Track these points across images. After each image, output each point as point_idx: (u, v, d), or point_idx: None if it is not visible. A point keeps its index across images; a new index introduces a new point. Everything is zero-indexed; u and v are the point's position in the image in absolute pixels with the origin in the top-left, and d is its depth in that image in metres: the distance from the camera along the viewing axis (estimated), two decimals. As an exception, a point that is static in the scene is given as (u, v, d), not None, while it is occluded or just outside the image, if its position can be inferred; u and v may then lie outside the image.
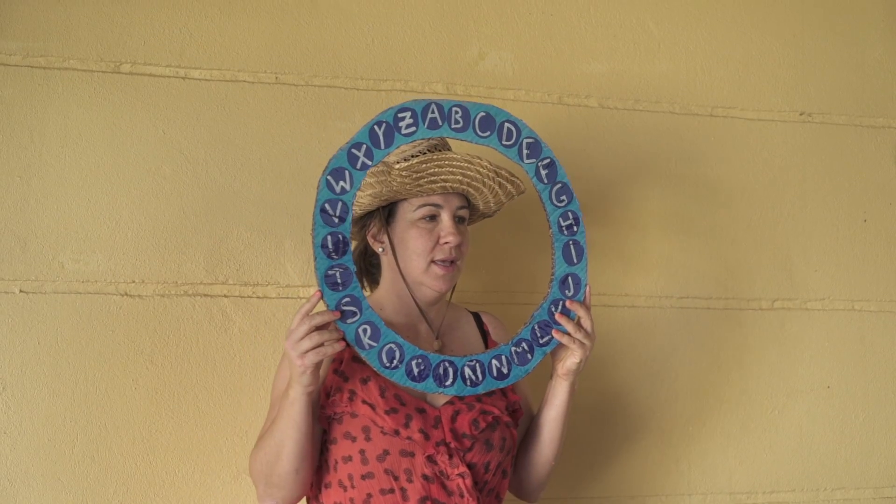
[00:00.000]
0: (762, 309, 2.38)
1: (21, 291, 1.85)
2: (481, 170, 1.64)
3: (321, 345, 1.45)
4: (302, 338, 1.44)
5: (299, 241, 2.03)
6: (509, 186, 1.72)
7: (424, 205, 1.64)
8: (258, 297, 2.00)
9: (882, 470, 2.42)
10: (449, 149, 1.70)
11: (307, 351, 1.43)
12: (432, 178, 1.63)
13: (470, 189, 1.67)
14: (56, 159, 1.96)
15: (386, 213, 1.69)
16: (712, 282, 2.37)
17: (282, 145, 2.05)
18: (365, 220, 1.75)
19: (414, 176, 1.61)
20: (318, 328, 1.45)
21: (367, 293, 1.71)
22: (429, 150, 1.67)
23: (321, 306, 1.56)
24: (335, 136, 2.01)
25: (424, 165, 1.61)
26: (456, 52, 2.19)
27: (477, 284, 2.16)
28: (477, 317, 1.87)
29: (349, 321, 1.52)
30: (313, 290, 1.59)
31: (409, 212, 1.65)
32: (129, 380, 1.91)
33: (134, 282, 1.93)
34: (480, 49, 2.20)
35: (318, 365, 1.48)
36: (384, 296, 1.70)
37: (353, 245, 1.67)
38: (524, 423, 1.82)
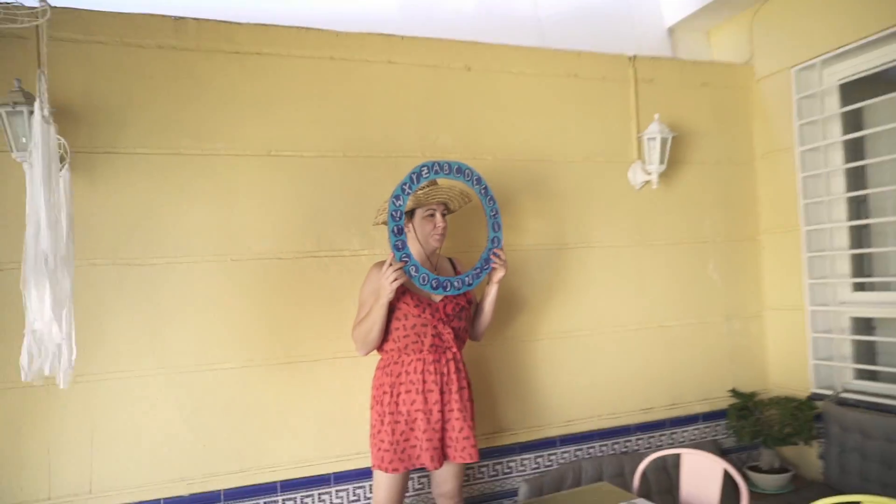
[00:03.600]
0: (575, 248, 2.89)
1: (232, 260, 2.28)
2: (451, 192, 2.08)
3: (398, 276, 1.89)
4: (390, 274, 1.88)
5: (359, 229, 2.46)
6: (465, 198, 2.15)
7: (428, 209, 2.05)
8: (341, 256, 2.45)
9: (630, 315, 2.95)
10: (437, 184, 2.08)
11: (393, 280, 1.88)
12: (431, 197, 2.04)
13: (448, 201, 2.10)
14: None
15: (410, 214, 2.04)
16: (552, 237, 2.85)
17: (348, 185, 2.46)
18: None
19: (424, 198, 2.02)
20: (396, 270, 1.89)
21: None
22: (429, 185, 2.05)
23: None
24: (371, 179, 2.47)
25: (427, 190, 2.04)
26: (425, 137, 2.60)
27: (453, 244, 2.53)
28: (450, 260, 2.26)
29: (408, 265, 1.94)
30: (388, 254, 2.00)
31: (421, 213, 2.06)
32: (283, 299, 2.34)
33: (283, 252, 2.36)
34: (437, 134, 2.63)
35: (398, 286, 1.89)
36: (413, 253, 2.00)
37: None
38: (474, 307, 2.24)
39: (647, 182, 3.01)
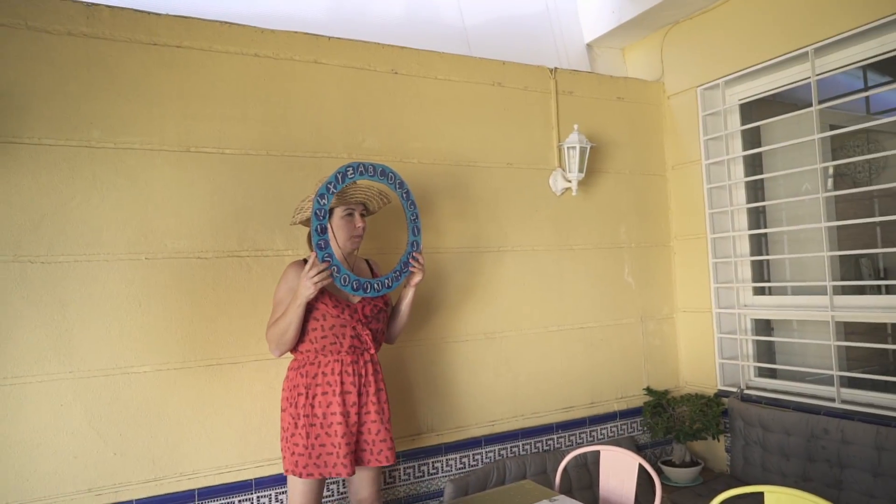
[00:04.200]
0: (494, 251, 2.88)
1: (146, 259, 2.19)
2: (373, 192, 2.07)
3: (323, 277, 1.85)
4: (314, 275, 1.84)
5: (281, 228, 2.40)
6: (385, 199, 2.14)
7: (346, 208, 2.03)
8: (264, 256, 2.39)
9: (546, 317, 2.98)
10: (356, 184, 2.02)
11: (317, 281, 1.84)
12: (350, 196, 2.02)
13: (368, 201, 2.09)
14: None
15: (329, 214, 1.99)
16: (471, 240, 2.85)
17: (270, 183, 2.40)
18: None
19: (342, 196, 1.99)
20: (321, 271, 1.85)
21: None
22: (349, 184, 1.99)
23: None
24: (294, 178, 2.42)
25: (349, 191, 2.00)
26: (351, 138, 2.58)
27: (373, 245, 2.53)
28: (367, 261, 2.24)
29: (330, 265, 1.91)
30: (309, 253, 1.96)
31: (340, 213, 2.02)
32: (201, 300, 2.27)
33: (203, 251, 2.29)
34: (363, 136, 2.61)
35: (321, 287, 1.84)
36: (333, 253, 1.93)
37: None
38: (390, 309, 2.22)
39: (567, 189, 3.06)
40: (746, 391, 3.05)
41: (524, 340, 2.94)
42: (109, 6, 2.19)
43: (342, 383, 1.95)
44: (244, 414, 2.32)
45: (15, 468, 2.02)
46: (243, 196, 2.37)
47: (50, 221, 2.09)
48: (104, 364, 2.13)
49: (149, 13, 2.24)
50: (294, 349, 2.04)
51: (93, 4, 2.17)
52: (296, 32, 2.49)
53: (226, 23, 2.37)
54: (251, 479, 2.31)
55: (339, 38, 2.56)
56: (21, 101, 2.05)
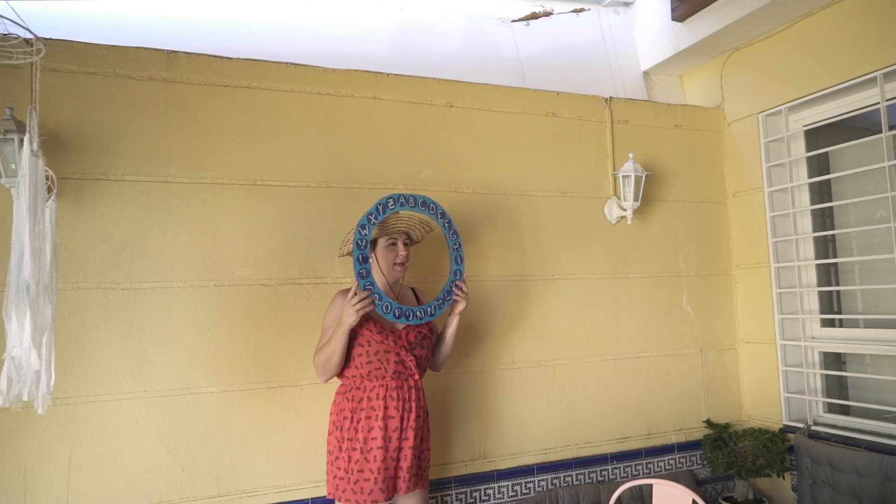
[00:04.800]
0: (546, 279, 2.85)
1: (215, 286, 2.25)
2: (415, 221, 2.06)
3: (364, 305, 1.86)
4: (356, 303, 1.84)
5: (341, 259, 2.41)
6: (427, 228, 2.12)
7: (390, 238, 2.03)
8: (324, 283, 2.42)
9: (602, 346, 2.91)
10: (398, 214, 2.03)
11: (359, 308, 1.84)
12: (392, 227, 2.02)
13: (410, 230, 2.07)
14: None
15: (373, 244, 2.00)
16: (516, 267, 2.79)
17: (329, 214, 2.43)
18: None
19: (384, 226, 2.00)
20: (362, 298, 1.86)
21: None
22: (391, 215, 2.01)
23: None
24: (352, 209, 2.43)
25: (389, 220, 2.01)
26: (407, 170, 2.59)
27: (417, 274, 2.52)
28: (413, 289, 2.22)
29: (371, 293, 1.91)
30: (353, 282, 1.95)
31: (383, 242, 2.03)
32: (264, 326, 2.31)
33: (266, 279, 2.33)
34: (419, 168, 2.61)
35: (363, 314, 1.85)
36: (377, 282, 1.95)
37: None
38: (435, 336, 2.19)
39: (623, 217, 3.00)
40: (814, 427, 2.88)
41: (578, 369, 2.88)
42: (187, 52, 2.31)
43: (386, 408, 1.93)
44: (302, 435, 2.34)
45: (94, 481, 2.10)
46: (305, 226, 2.41)
47: (130, 251, 2.19)
48: (175, 384, 2.19)
49: (221, 57, 2.34)
50: (341, 374, 2.04)
51: (172, 52, 2.30)
52: (356, 70, 2.53)
53: (291, 64, 2.44)
54: (308, 499, 2.33)
55: (397, 75, 2.59)
56: (108, 142, 2.18)
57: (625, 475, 2.90)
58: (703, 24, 3.03)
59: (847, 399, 2.94)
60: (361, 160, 2.51)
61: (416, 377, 2.00)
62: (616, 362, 2.97)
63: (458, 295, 2.10)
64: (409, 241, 2.13)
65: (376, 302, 1.91)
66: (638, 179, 2.90)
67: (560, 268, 2.89)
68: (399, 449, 1.94)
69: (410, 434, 1.95)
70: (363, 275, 1.89)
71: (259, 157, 2.36)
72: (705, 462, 3.06)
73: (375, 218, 1.95)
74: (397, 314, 1.96)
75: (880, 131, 2.59)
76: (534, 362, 2.81)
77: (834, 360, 3.03)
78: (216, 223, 2.29)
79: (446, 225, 2.12)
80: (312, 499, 2.33)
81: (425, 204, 2.07)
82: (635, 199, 2.90)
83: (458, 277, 2.12)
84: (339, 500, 1.94)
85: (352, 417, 1.95)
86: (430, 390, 2.41)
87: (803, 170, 3.08)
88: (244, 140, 2.34)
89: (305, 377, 2.36)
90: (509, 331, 2.75)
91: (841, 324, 2.97)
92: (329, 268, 2.44)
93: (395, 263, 2.04)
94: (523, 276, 2.80)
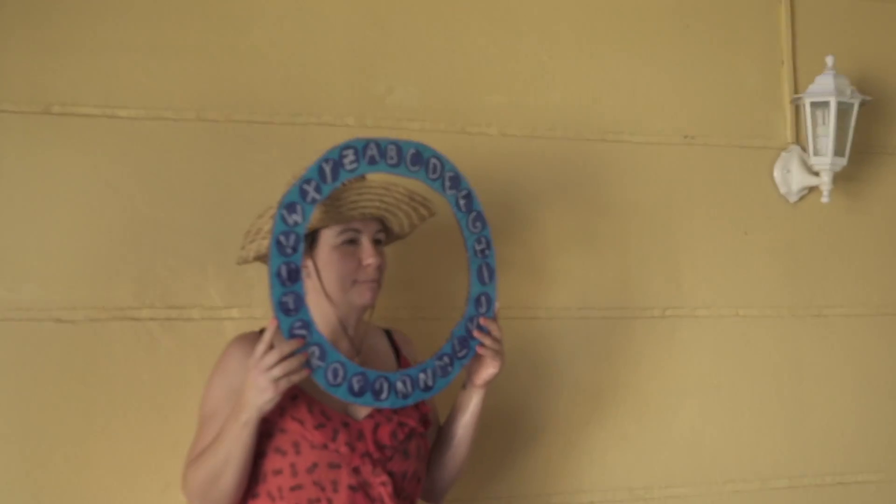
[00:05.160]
0: (654, 317, 2.61)
1: None
2: (397, 195, 1.88)
3: (290, 370, 1.65)
4: (272, 366, 1.63)
5: (221, 266, 2.20)
6: (422, 209, 1.97)
7: (346, 230, 1.86)
8: (183, 320, 2.17)
9: (768, 463, 2.68)
10: (366, 181, 1.90)
11: (278, 377, 1.63)
12: (352, 206, 1.84)
13: (387, 214, 1.90)
14: None
15: (309, 239, 1.84)
16: (608, 293, 2.58)
17: (203, 177, 2.23)
18: None
19: (336, 204, 1.82)
20: (284, 359, 1.66)
21: None
22: (353, 183, 1.87)
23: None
24: (253, 168, 2.25)
25: (345, 194, 1.83)
26: (365, 88, 2.39)
27: (399, 301, 2.34)
28: (388, 333, 2.10)
29: (307, 345, 1.75)
30: (268, 320, 1.72)
31: (331, 237, 1.86)
32: (61, 401, 2.08)
33: (65, 308, 2.09)
34: (388, 84, 2.41)
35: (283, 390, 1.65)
36: (316, 317, 1.81)
37: None
38: (433, 431, 2.04)
39: (813, 189, 2.72)
40: None
41: None
42: None
43: None
44: None
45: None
46: (148, 202, 2.19)
47: None
48: None
49: None
50: None
51: None
52: None
53: None
54: None
55: None
56: None
57: None
58: None
59: None
60: (273, 69, 2.35)
61: None
62: (801, 493, 2.68)
63: (484, 347, 1.92)
64: (385, 236, 1.98)
65: (314, 363, 1.73)
66: (845, 110, 2.63)
67: (681, 294, 2.66)
68: None
69: None
70: (288, 306, 1.73)
71: (59, 57, 2.18)
72: None
73: (317, 189, 1.77)
74: (358, 388, 1.80)
75: None
76: (623, 490, 2.55)
77: None
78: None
79: (461, 202, 1.98)
80: None
81: (420, 159, 1.91)
82: (838, 153, 2.63)
83: (482, 311, 1.95)
84: None
85: None
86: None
87: None
88: (24, 24, 2.16)
89: None
90: (580, 425, 2.55)
91: None
92: (196, 287, 2.23)
93: (354, 280, 1.85)
94: (609, 309, 2.60)
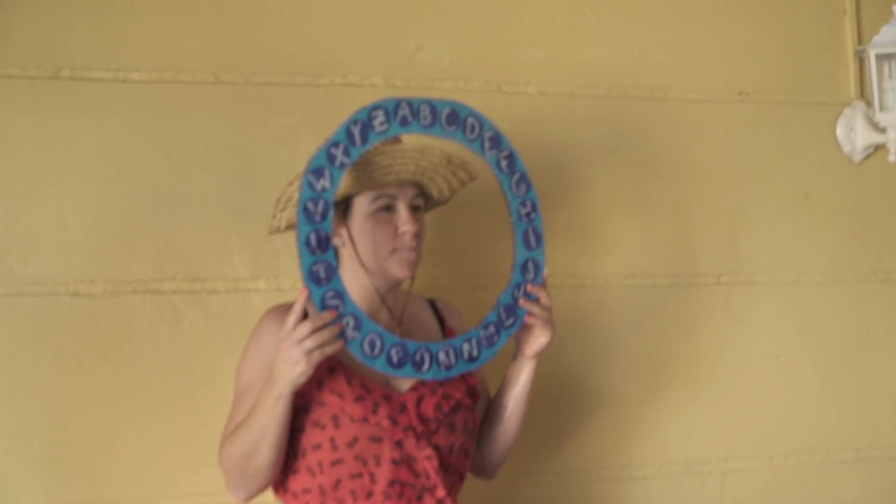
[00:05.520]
0: (709, 284, 2.54)
1: None
2: (433, 158, 1.82)
3: (324, 342, 1.64)
4: (304, 338, 1.62)
5: (245, 235, 2.17)
6: (461, 173, 1.91)
7: (380, 196, 1.81)
8: (207, 292, 2.15)
9: (833, 435, 2.63)
10: (399, 141, 1.86)
11: (311, 348, 1.62)
12: (386, 171, 1.79)
13: (423, 179, 1.86)
14: (0, 165, 2.09)
15: (342, 207, 1.83)
16: (660, 259, 2.52)
17: (224, 143, 2.19)
18: None
19: (368, 169, 1.77)
20: (317, 332, 1.64)
21: None
22: (386, 146, 1.82)
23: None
24: (276, 132, 2.22)
25: (378, 158, 1.77)
26: (393, 46, 2.34)
27: (442, 271, 2.30)
28: (432, 303, 2.05)
29: (341, 316, 1.72)
30: (299, 290, 1.73)
31: (365, 204, 1.82)
32: (83, 378, 2.06)
33: (83, 282, 2.07)
34: (417, 41, 2.36)
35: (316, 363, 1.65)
36: (351, 288, 1.80)
37: None
38: (482, 405, 1.99)
39: (879, 147, 2.66)
40: None
41: (778, 480, 2.59)
42: None
43: None
44: None
45: None
46: (166, 169, 2.16)
47: None
48: None
49: None
50: (280, 486, 1.83)
51: None
52: None
53: None
54: None
55: None
56: None
57: None
58: None
59: None
60: (298, 25, 2.32)
61: (441, 494, 1.79)
62: (865, 467, 2.66)
63: (532, 315, 1.90)
64: (423, 203, 1.94)
65: (349, 334, 1.71)
66: (917, 63, 2.54)
67: (738, 260, 2.61)
68: None
69: None
70: (320, 276, 1.70)
71: (68, 19, 2.14)
72: None
73: (346, 153, 1.73)
74: (397, 359, 1.78)
75: None
76: (679, 464, 2.52)
77: None
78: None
79: (503, 163, 1.93)
80: None
81: (455, 118, 1.86)
82: (909, 109, 2.55)
83: (529, 278, 1.93)
84: None
85: None
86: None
87: None
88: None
89: (173, 495, 2.15)
90: (634, 398, 2.53)
91: None
92: (221, 257, 2.20)
93: (391, 249, 1.82)
94: (662, 276, 2.57)
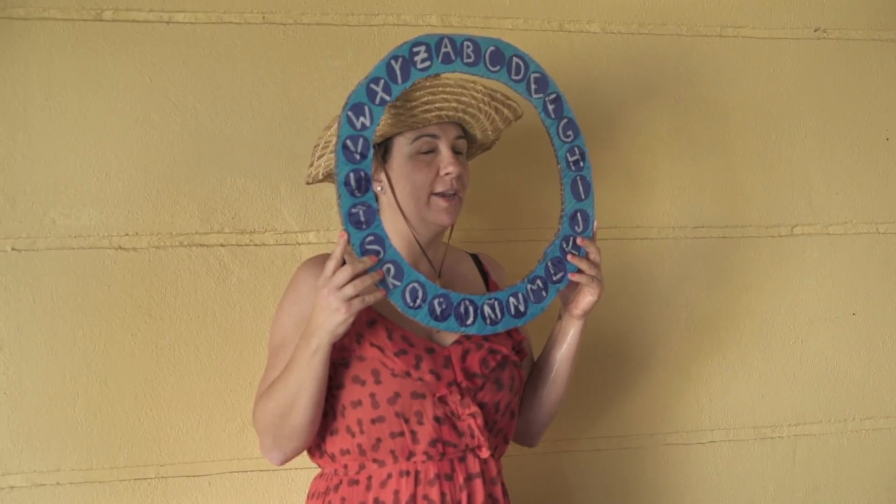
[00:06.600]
0: (781, 236, 2.46)
1: (13, 249, 1.97)
2: (476, 94, 1.75)
3: (363, 290, 1.58)
4: (343, 285, 1.56)
5: (295, 185, 2.12)
6: (506, 111, 1.84)
7: (420, 136, 1.75)
8: (255, 245, 2.11)
9: None
10: (441, 80, 1.79)
11: (350, 296, 1.57)
12: (426, 108, 1.73)
13: (466, 116, 1.78)
14: (41, 112, 2.06)
15: (381, 150, 1.78)
16: (728, 209, 2.45)
17: (272, 87, 2.14)
18: None
19: (408, 106, 1.71)
20: (356, 278, 1.58)
21: None
22: (428, 82, 1.77)
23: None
24: (327, 76, 2.16)
25: (417, 94, 1.70)
26: None
27: (485, 222, 2.25)
28: (475, 258, 2.00)
29: (381, 262, 1.68)
30: (337, 235, 1.70)
31: (405, 145, 1.75)
32: (127, 334, 2.03)
33: (127, 234, 2.04)
34: None
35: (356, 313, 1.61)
36: (392, 234, 1.77)
37: None
38: (527, 364, 1.95)
39: None
40: None
41: (853, 447, 2.51)
42: None
43: None
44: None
45: None
46: (212, 115, 2.13)
47: None
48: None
49: None
50: (315, 449, 1.80)
51: None
52: None
53: None
54: None
55: None
56: None
57: None
58: None
59: None
60: None
61: (486, 454, 1.77)
62: None
63: (580, 272, 1.86)
64: (467, 144, 1.89)
65: (390, 283, 1.69)
66: None
67: (812, 209, 2.53)
68: None
69: None
70: (360, 219, 1.69)
71: None
72: None
73: (385, 88, 1.72)
74: (439, 311, 1.75)
75: None
76: (747, 428, 2.46)
77: None
78: (11, 115, 2.05)
79: (549, 108, 1.89)
80: None
81: (499, 57, 1.83)
82: None
83: (578, 230, 1.90)
84: None
85: None
86: (518, 487, 2.08)
87: None
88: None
89: (221, 456, 2.12)
90: (696, 357, 2.45)
91: None
92: (270, 209, 2.18)
93: (433, 193, 1.79)
94: (729, 227, 2.48)
